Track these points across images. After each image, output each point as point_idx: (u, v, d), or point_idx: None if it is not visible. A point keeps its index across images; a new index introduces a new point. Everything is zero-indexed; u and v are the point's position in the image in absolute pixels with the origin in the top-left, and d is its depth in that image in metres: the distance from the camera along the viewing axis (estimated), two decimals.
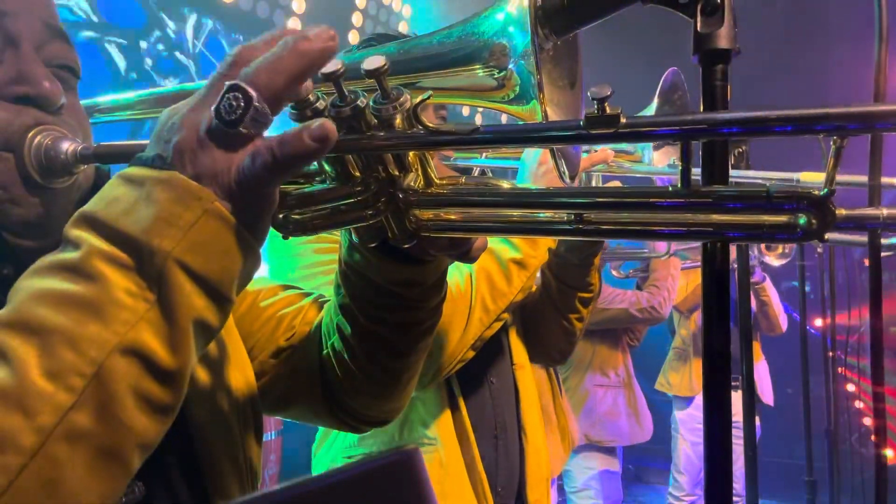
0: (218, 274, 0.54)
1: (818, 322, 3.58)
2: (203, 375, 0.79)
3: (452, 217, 0.66)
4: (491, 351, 1.64)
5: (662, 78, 1.57)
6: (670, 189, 0.55)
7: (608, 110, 0.53)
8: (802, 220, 0.53)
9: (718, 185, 0.57)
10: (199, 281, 0.53)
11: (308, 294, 0.96)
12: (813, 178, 1.59)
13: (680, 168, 0.55)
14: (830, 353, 2.88)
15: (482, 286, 1.41)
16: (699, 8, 0.57)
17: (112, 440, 0.50)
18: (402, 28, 5.74)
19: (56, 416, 0.48)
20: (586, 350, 3.46)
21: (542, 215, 0.63)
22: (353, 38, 5.23)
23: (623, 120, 0.53)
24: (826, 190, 0.52)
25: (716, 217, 0.56)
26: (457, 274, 1.40)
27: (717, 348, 0.62)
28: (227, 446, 0.79)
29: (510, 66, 0.66)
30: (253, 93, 0.53)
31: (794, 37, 5.83)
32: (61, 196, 0.71)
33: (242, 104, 0.53)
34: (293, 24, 4.70)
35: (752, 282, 3.79)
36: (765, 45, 5.45)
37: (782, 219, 0.53)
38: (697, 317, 3.93)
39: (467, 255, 0.73)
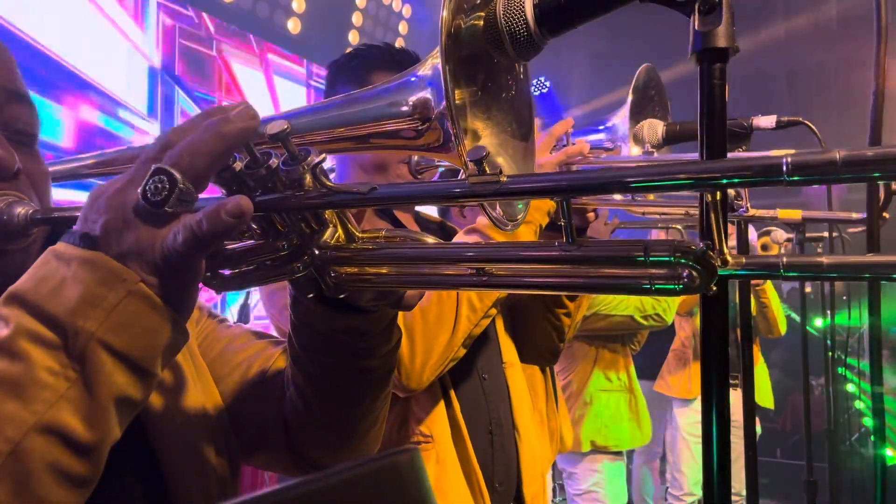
0: (140, 351, 0.56)
1: (818, 322, 3.59)
2: (172, 403, 0.80)
3: (369, 272, 0.68)
4: (481, 347, 1.66)
5: (636, 75, 1.58)
6: (556, 244, 0.58)
7: (488, 170, 0.56)
8: (686, 273, 0.53)
9: (597, 241, 0.60)
10: (122, 359, 0.55)
11: (280, 342, 0.96)
12: (791, 216, 1.60)
13: (563, 225, 0.56)
14: (830, 354, 2.89)
15: None
16: (697, 6, 0.57)
17: None
18: (402, 28, 5.74)
19: None
20: (589, 354, 3.45)
21: (447, 270, 0.65)
22: (354, 38, 5.24)
23: (503, 179, 0.56)
24: (702, 244, 0.53)
25: (603, 270, 0.58)
26: None
27: (715, 350, 0.62)
28: (196, 472, 0.80)
29: (433, 117, 0.70)
30: (178, 175, 0.56)
31: (795, 37, 5.83)
32: (19, 255, 0.73)
33: (168, 186, 0.56)
34: (293, 24, 4.69)
35: (753, 283, 3.79)
36: (765, 45, 5.45)
37: (665, 272, 0.54)
38: (697, 319, 3.93)
39: (400, 304, 0.73)
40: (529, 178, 0.58)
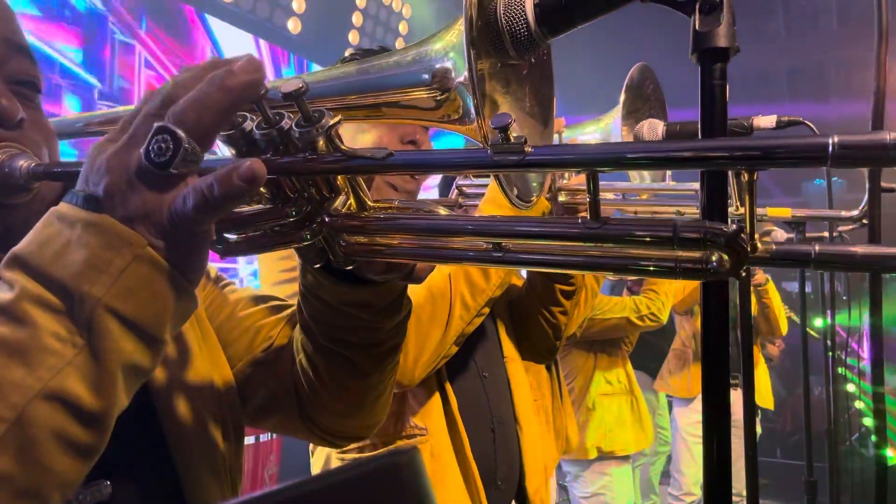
0: (148, 318, 0.54)
1: (818, 323, 3.59)
2: (178, 376, 0.80)
3: (379, 242, 0.65)
4: (482, 345, 1.67)
5: (629, 74, 1.58)
6: (580, 220, 0.55)
7: (512, 139, 0.52)
8: (715, 257, 0.51)
9: (626, 218, 0.56)
10: (130, 326, 0.53)
11: (288, 307, 0.96)
12: (780, 213, 1.58)
13: (588, 200, 0.54)
14: (830, 354, 2.88)
15: (460, 284, 1.44)
16: (697, 6, 0.57)
17: (33, 482, 0.50)
18: (402, 28, 5.74)
19: None
20: (588, 359, 3.45)
21: (462, 244, 0.63)
22: (354, 38, 5.24)
23: (528, 149, 0.53)
24: (735, 226, 0.49)
25: (628, 251, 0.54)
26: (436, 273, 1.42)
27: (715, 350, 0.62)
28: (203, 446, 0.79)
29: (453, 87, 0.67)
30: (182, 134, 0.53)
31: (794, 37, 5.83)
32: (22, 210, 0.71)
33: (172, 146, 0.53)
34: (293, 24, 4.70)
35: (754, 283, 3.78)
36: (764, 45, 5.45)
37: (695, 255, 0.51)
38: (698, 319, 3.93)
39: (410, 277, 0.72)
40: (556, 150, 0.54)
